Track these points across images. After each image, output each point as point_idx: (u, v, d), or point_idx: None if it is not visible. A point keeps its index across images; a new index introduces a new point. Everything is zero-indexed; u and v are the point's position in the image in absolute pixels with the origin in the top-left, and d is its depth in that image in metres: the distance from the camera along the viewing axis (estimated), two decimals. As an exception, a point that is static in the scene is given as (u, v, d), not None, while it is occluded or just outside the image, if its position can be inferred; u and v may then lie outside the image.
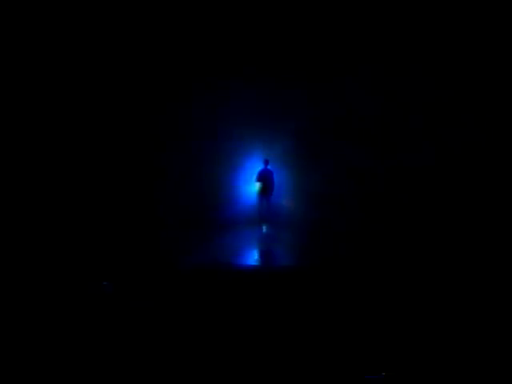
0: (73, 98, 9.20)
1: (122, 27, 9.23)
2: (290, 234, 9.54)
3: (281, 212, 10.52)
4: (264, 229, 10.12)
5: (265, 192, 10.28)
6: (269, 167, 10.35)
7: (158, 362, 3.89)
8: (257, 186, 10.32)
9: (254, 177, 10.36)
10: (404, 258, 6.81)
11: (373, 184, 9.73)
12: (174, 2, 9.38)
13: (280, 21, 9.58)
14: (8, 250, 6.41)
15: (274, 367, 3.88)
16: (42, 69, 8.98)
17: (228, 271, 6.03)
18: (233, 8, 9.49)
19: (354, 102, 9.73)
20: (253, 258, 7.61)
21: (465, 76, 9.04)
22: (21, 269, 5.61)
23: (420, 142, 9.40)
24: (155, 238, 8.29)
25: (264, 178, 10.27)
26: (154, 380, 3.71)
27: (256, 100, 10.16)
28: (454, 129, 9.11)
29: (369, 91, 9.66)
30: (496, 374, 3.71)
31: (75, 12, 8.96)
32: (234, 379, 3.75)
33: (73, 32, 9.01)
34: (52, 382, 3.62)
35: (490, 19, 8.70)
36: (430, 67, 9.28)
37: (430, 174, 9.28)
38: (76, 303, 4.59)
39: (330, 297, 5.27)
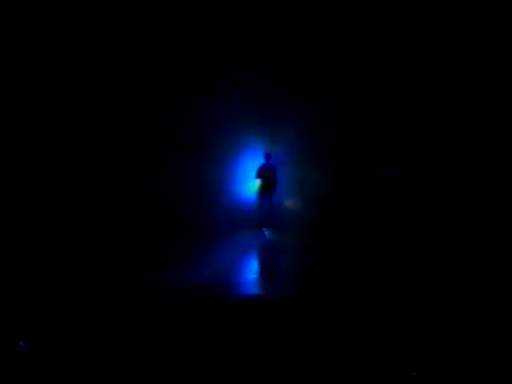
0: (68, 96, 8.54)
1: (125, 26, 8.69)
2: (297, 240, 8.43)
3: (285, 213, 9.52)
4: (266, 234, 8.98)
5: (266, 190, 9.28)
6: (271, 162, 9.37)
7: None
8: (257, 184, 9.33)
9: (254, 173, 9.34)
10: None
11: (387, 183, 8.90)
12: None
13: (292, 18, 9.24)
14: None
15: None
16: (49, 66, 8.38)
17: (216, 306, 4.47)
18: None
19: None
20: (251, 279, 6.11)
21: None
22: None
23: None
24: (123, 255, 6.54)
25: (265, 174, 9.28)
26: None
27: (256, 90, 9.34)
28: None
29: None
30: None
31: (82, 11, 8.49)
32: None
33: (77, 32, 8.51)
34: None
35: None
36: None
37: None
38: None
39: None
